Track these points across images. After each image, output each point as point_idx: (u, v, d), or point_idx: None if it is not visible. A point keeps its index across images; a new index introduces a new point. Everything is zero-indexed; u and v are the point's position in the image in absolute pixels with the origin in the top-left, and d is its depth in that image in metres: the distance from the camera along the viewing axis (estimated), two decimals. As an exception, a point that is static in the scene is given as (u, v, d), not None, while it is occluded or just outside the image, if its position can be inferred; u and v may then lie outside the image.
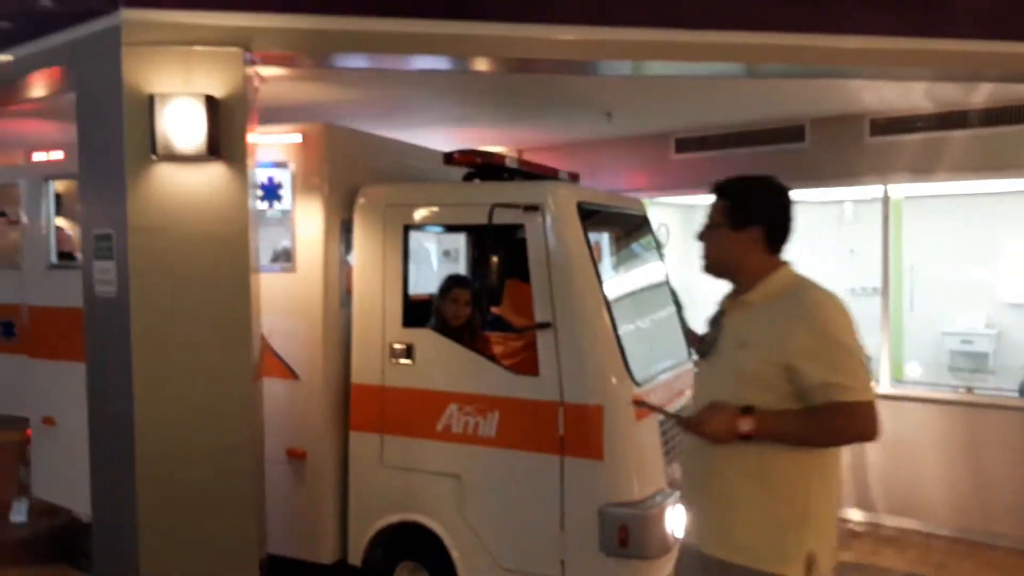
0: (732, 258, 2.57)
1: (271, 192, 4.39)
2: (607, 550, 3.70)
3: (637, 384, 3.90)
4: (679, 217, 7.38)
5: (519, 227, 3.93)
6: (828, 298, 2.44)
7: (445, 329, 4.23)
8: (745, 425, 2.34)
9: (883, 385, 6.05)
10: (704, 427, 2.41)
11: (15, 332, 5.53)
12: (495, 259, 3.76)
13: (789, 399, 2.37)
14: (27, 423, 5.44)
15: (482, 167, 4.25)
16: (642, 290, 4.68)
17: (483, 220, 3.78)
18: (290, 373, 4.39)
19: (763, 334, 2.42)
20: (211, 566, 3.81)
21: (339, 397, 4.38)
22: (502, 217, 3.78)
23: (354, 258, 4.34)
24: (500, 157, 4.32)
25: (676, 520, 3.83)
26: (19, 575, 4.90)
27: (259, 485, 3.97)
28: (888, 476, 5.89)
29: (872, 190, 6.82)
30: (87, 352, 3.97)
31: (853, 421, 2.33)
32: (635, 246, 4.84)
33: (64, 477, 5.12)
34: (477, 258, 3.84)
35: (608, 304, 3.90)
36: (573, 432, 3.78)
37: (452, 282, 4.40)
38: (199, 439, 3.75)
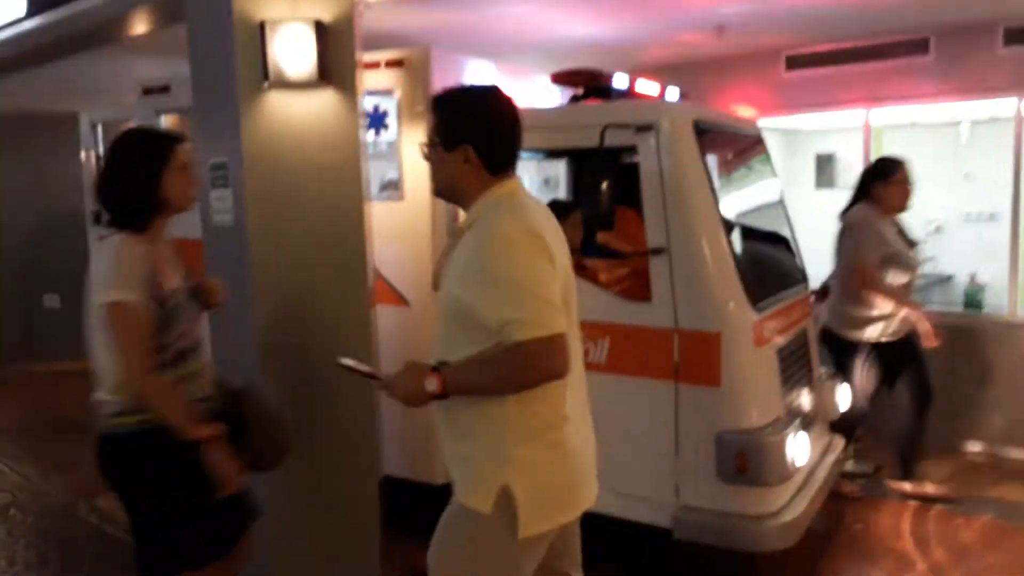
0: (450, 181, 2.38)
1: (377, 121, 4.37)
2: (724, 477, 3.65)
3: (756, 310, 3.77)
4: (780, 142, 7.07)
5: (628, 150, 3.79)
6: (501, 227, 2.18)
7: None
8: (431, 385, 2.23)
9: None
10: (396, 391, 2.32)
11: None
12: (606, 183, 3.65)
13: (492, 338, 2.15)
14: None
15: (588, 88, 4.11)
16: (758, 213, 4.49)
17: (592, 143, 3.68)
18: (401, 300, 4.43)
19: (455, 266, 2.28)
20: (330, 486, 3.94)
21: (448, 324, 4.41)
22: (612, 139, 3.66)
23: (461, 185, 4.30)
24: (606, 76, 4.17)
25: (798, 448, 3.75)
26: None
27: (375, 407, 4.05)
28: (1012, 405, 5.60)
29: (994, 109, 6.43)
30: (207, 282, 4.07)
31: (534, 360, 2.11)
32: (751, 167, 4.64)
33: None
34: (587, 183, 3.73)
35: (726, 227, 3.76)
36: (689, 359, 3.71)
37: (568, 207, 4.33)
38: (317, 364, 3.83)
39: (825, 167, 7.80)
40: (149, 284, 2.70)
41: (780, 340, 4.04)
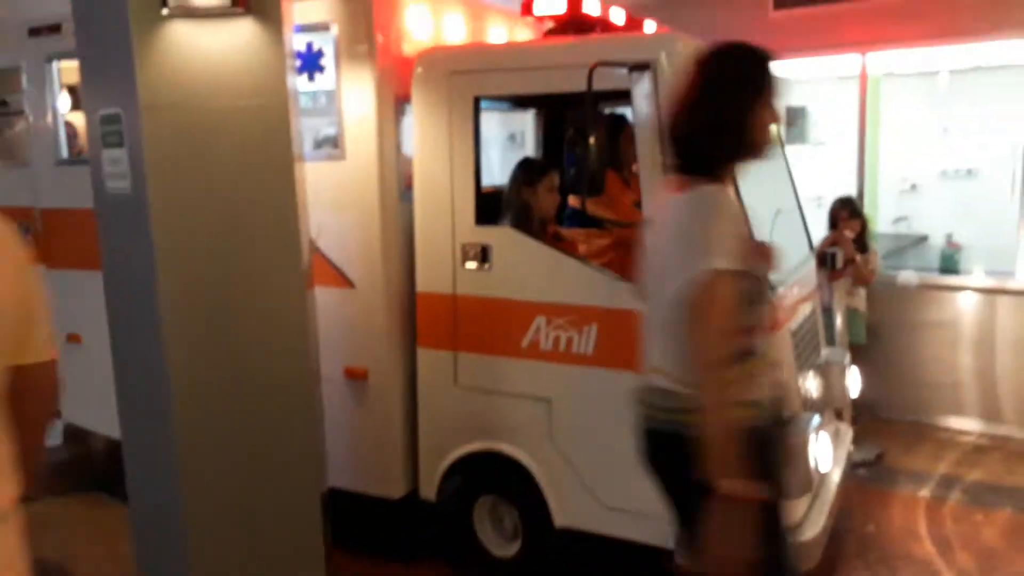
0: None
1: (310, 62, 3.61)
2: (736, 488, 3.06)
3: (772, 288, 3.16)
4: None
5: (614, 96, 3.11)
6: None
7: (525, 227, 3.51)
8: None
9: (1020, 278, 5.24)
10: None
11: (29, 239, 4.91)
12: (595, 137, 2.98)
13: None
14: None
15: (567, 21, 3.41)
16: (762, 174, 3.86)
17: (576, 87, 3.01)
18: (344, 281, 3.72)
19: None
20: (264, 499, 3.26)
21: (403, 308, 3.72)
22: (601, 82, 2.98)
23: (414, 141, 3.58)
24: (584, 7, 3.46)
25: (821, 451, 3.18)
26: (49, 505, 4.45)
27: (317, 407, 3.36)
28: (1020, 384, 5.16)
29: (977, 57, 5.99)
30: (103, 260, 3.31)
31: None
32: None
33: (93, 399, 4.61)
34: (572, 137, 3.06)
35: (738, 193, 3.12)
36: (694, 349, 3.08)
37: (538, 167, 3.65)
38: (243, 364, 3.12)
39: (795, 121, 7.27)
40: (742, 249, 2.07)
41: (793, 322, 3.46)
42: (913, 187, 9.31)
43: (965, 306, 5.33)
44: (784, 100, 2.19)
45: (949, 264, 8.66)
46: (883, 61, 5.89)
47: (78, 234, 4.54)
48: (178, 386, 3.08)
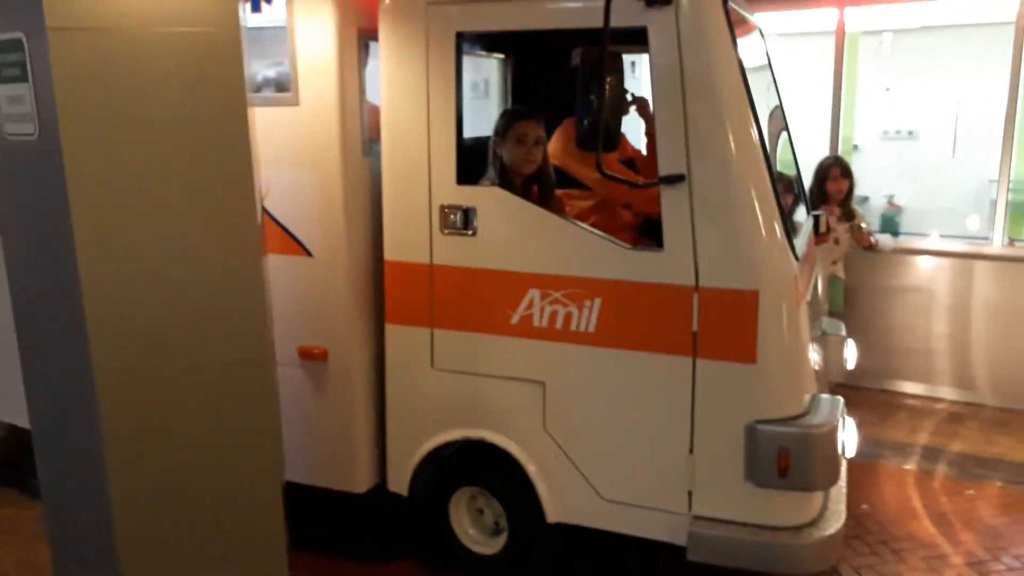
0: None
1: (256, -11, 3.04)
2: (757, 479, 2.76)
3: (797, 259, 2.83)
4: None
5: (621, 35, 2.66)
6: None
7: (509, 185, 3.07)
8: None
9: (995, 243, 5.09)
10: None
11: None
12: (612, 82, 2.54)
13: None
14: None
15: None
16: (773, 132, 3.51)
17: (586, 21, 2.57)
18: (299, 248, 3.20)
19: None
20: (212, 496, 2.77)
21: (367, 280, 3.25)
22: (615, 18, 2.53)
23: (381, 84, 3.07)
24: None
25: (848, 439, 2.90)
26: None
27: (273, 390, 2.86)
28: (996, 351, 5.05)
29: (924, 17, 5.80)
30: (1, 222, 2.71)
31: None
32: (761, 69, 3.63)
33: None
34: (582, 82, 2.61)
35: (766, 151, 2.76)
36: (713, 326, 2.74)
37: (512, 116, 3.20)
38: (182, 336, 2.60)
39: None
40: None
41: (808, 294, 3.15)
42: (855, 147, 9.26)
43: (938, 272, 5.17)
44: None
45: (890, 226, 8.66)
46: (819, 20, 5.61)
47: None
48: (102, 366, 2.53)
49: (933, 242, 5.36)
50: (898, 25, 7.77)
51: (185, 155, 2.45)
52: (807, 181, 5.51)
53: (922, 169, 8.88)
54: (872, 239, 4.97)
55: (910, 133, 9.16)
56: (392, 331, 3.21)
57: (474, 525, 3.34)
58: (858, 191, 6.20)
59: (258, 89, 3.29)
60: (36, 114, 2.38)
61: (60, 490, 2.94)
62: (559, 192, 3.37)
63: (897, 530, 3.67)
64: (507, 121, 3.18)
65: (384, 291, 3.20)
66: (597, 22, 2.47)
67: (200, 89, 2.42)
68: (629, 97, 3.47)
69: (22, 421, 3.76)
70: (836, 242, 4.90)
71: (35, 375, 2.85)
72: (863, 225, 4.96)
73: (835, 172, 4.87)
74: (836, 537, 2.85)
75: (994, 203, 5.56)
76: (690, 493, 2.87)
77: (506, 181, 3.09)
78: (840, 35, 5.26)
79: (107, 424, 2.59)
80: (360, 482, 3.34)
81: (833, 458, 2.78)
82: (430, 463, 3.25)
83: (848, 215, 4.92)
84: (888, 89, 9.14)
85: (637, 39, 2.68)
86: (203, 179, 2.49)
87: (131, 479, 2.66)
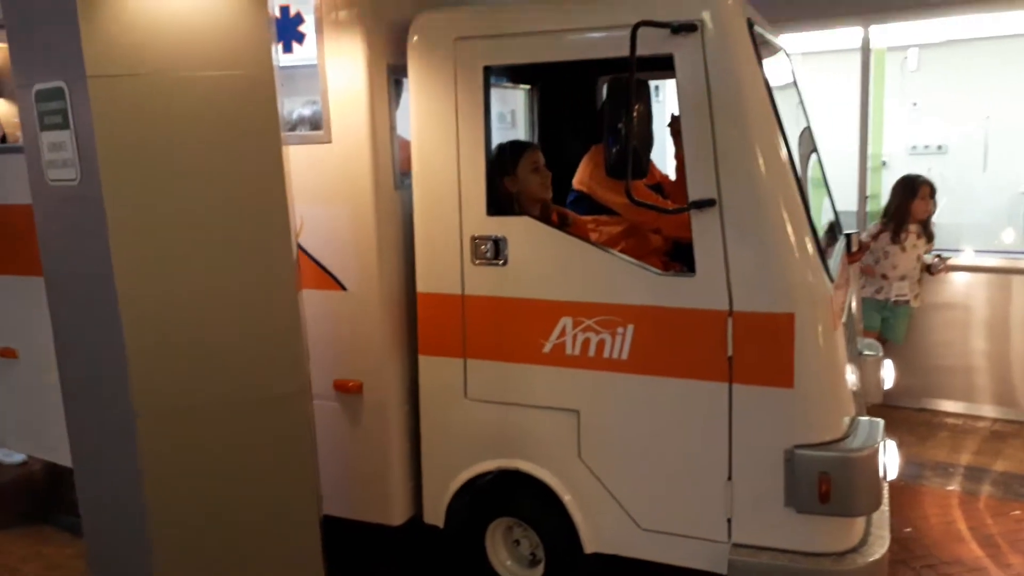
0: None
1: (288, 30, 3.11)
2: (798, 506, 2.72)
3: (831, 279, 2.81)
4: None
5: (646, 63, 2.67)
6: None
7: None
8: None
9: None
10: None
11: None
12: (640, 108, 2.56)
13: None
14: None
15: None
16: (803, 153, 3.50)
17: (612, 51, 2.59)
18: (333, 283, 3.24)
19: None
20: (251, 531, 2.79)
21: (400, 312, 3.27)
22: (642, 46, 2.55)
23: (411, 119, 3.11)
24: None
25: (889, 461, 2.86)
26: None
27: (311, 426, 2.88)
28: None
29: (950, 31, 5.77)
30: (44, 265, 2.77)
31: None
32: (788, 88, 3.63)
33: (30, 420, 4.07)
34: (611, 107, 2.63)
35: (796, 171, 2.75)
36: (749, 351, 2.72)
37: (511, 150, 3.25)
38: (221, 373, 2.64)
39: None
40: None
41: (844, 315, 3.12)
42: (884, 164, 9.18)
43: (974, 287, 5.09)
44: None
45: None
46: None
47: (8, 234, 3.96)
48: (143, 405, 2.57)
49: (968, 257, 5.27)
50: (923, 40, 7.73)
51: (222, 196, 2.50)
52: (852, 199, 5.54)
53: (953, 183, 8.77)
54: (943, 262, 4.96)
55: (939, 147, 9.06)
56: (425, 362, 3.22)
57: (511, 556, 3.32)
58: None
59: (293, 127, 3.35)
60: (77, 160, 2.45)
61: (100, 527, 2.98)
62: (588, 218, 3.39)
63: (943, 554, 3.59)
64: (514, 153, 3.21)
65: (417, 323, 3.22)
66: (623, 51, 2.50)
67: (235, 131, 2.48)
68: (669, 118, 3.49)
69: (59, 458, 3.85)
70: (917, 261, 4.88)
71: (77, 416, 2.90)
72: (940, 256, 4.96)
73: (925, 191, 4.82)
74: (880, 563, 2.80)
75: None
76: (729, 521, 2.84)
77: (523, 212, 3.11)
78: (865, 52, 5.24)
79: (146, 462, 2.63)
80: (396, 515, 3.34)
81: (875, 482, 2.74)
82: (465, 494, 3.25)
83: (929, 236, 4.88)
84: (915, 104, 9.07)
85: (664, 66, 2.70)
86: (239, 219, 2.54)
87: (170, 515, 2.70)
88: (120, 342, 2.50)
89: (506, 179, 3.17)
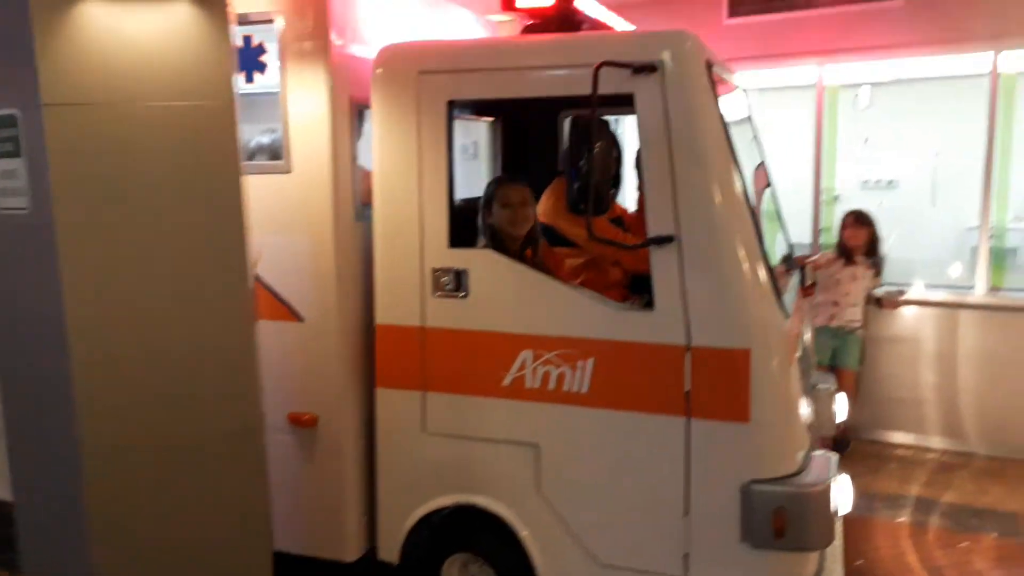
0: None
1: (250, 60, 3.09)
2: (753, 541, 2.73)
3: (786, 315, 2.86)
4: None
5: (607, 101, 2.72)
6: None
7: (505, 250, 3.09)
8: None
9: (978, 292, 5.16)
10: None
11: None
12: (601, 145, 2.60)
13: None
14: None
15: (552, 17, 3.02)
16: (758, 189, 3.57)
17: (574, 89, 2.63)
18: (289, 314, 3.20)
19: None
20: (203, 568, 2.72)
21: (358, 344, 3.24)
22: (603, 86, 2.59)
23: (373, 151, 3.11)
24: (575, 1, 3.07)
25: (842, 495, 2.90)
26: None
27: (263, 460, 2.83)
28: (984, 400, 5.08)
29: (897, 71, 5.98)
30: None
31: None
32: (743, 127, 3.70)
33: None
34: (570, 148, 2.66)
35: (752, 208, 2.81)
36: (706, 385, 2.74)
37: (495, 183, 3.24)
38: (173, 406, 2.58)
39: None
40: None
41: (798, 348, 3.17)
42: (836, 197, 9.41)
43: (923, 321, 5.23)
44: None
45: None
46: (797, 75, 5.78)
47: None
48: (90, 439, 2.51)
49: (918, 291, 5.41)
50: (874, 79, 7.97)
51: (178, 227, 2.47)
52: (807, 231, 5.66)
53: (902, 217, 9.02)
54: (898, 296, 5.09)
55: (889, 182, 9.32)
56: (383, 395, 3.19)
57: (468, 592, 3.28)
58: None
59: (251, 155, 3.32)
60: (29, 188, 2.40)
61: (42, 564, 2.88)
62: (553, 250, 3.40)
63: (894, 587, 3.65)
64: (491, 188, 3.22)
65: (375, 355, 3.19)
66: (585, 89, 2.54)
67: (193, 161, 2.45)
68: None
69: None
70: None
71: (19, 450, 2.81)
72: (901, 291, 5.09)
73: (848, 220, 4.99)
74: (835, 597, 2.83)
75: (974, 250, 5.70)
76: (686, 556, 2.84)
77: (501, 246, 3.10)
78: (820, 89, 5.39)
79: (92, 498, 2.56)
80: (349, 550, 3.28)
81: (829, 517, 2.77)
82: (421, 529, 3.21)
83: (877, 270, 5.01)
84: (867, 140, 9.33)
85: (624, 104, 2.74)
86: (196, 250, 2.51)
87: (116, 552, 2.63)
88: (67, 374, 2.44)
89: (488, 213, 3.17)
